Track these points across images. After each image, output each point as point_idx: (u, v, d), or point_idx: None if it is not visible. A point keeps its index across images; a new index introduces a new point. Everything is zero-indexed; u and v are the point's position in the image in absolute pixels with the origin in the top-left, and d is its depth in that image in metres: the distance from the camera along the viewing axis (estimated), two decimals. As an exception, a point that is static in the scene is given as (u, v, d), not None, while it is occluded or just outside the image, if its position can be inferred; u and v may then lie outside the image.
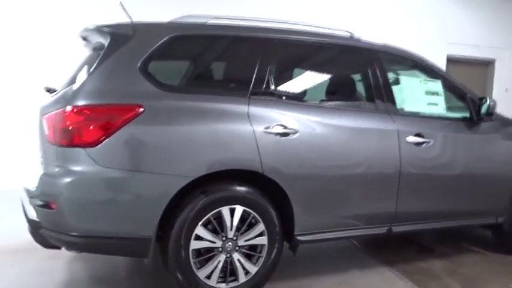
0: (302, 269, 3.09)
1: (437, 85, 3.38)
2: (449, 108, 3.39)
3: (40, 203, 2.32)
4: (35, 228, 2.41)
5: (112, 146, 2.27)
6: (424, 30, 7.41)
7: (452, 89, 3.43)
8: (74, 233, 2.28)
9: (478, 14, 7.75)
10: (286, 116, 2.67)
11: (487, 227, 3.65)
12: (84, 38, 2.85)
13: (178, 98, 2.48)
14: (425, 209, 3.20)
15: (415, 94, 3.26)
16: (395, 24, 7.21)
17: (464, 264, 3.48)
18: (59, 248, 2.54)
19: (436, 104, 3.33)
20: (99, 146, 2.25)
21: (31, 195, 2.40)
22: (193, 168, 2.40)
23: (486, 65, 8.14)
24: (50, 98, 2.68)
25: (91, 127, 2.25)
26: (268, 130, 2.58)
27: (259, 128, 2.56)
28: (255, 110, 2.60)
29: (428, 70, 3.41)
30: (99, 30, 2.59)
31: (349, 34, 3.18)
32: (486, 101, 3.31)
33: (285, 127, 2.64)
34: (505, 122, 3.60)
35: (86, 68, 2.55)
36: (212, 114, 2.51)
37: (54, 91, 2.80)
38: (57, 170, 2.30)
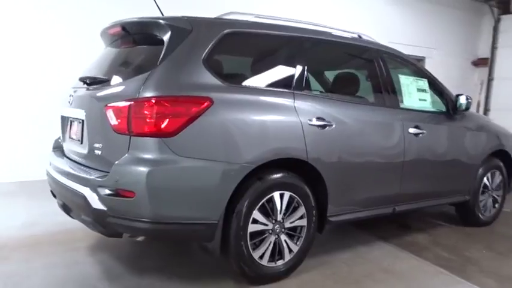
0: (319, 248, 3.41)
1: (424, 83, 3.90)
2: (431, 103, 3.93)
3: (112, 192, 2.35)
4: (100, 217, 2.42)
5: (187, 136, 2.37)
6: (369, 30, 8.07)
7: (435, 87, 3.98)
8: (148, 220, 2.36)
9: (413, 17, 8.63)
10: (323, 110, 2.96)
11: (452, 203, 4.31)
12: (124, 29, 2.83)
13: (239, 91, 2.64)
14: (419, 190, 3.72)
15: (410, 91, 3.74)
16: (344, 25, 7.75)
17: (440, 236, 4.09)
18: (120, 236, 2.57)
19: (425, 100, 3.85)
20: (176, 136, 2.34)
21: (99, 185, 2.39)
22: (257, 156, 2.59)
23: (418, 62, 9.12)
24: (99, 88, 2.66)
25: (170, 118, 2.33)
26: (311, 122, 2.85)
27: (304, 120, 2.82)
28: (300, 103, 2.85)
29: (418, 70, 3.92)
30: (156, 22, 2.62)
31: (356, 35, 3.55)
32: (464, 98, 3.90)
33: (323, 119, 2.93)
34: (471, 115, 4.25)
35: (144, 59, 2.58)
36: (268, 106, 2.72)
37: (93, 82, 2.77)
38: (134, 159, 2.33)
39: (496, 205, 4.59)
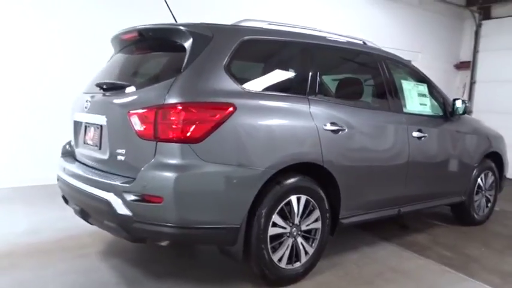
0: (329, 250, 3.47)
1: (424, 88, 4.04)
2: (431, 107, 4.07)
3: (138, 197, 2.36)
4: (125, 223, 2.43)
5: (212, 142, 2.41)
6: (356, 33, 8.21)
7: (433, 92, 4.12)
8: (174, 225, 2.38)
9: (400, 22, 8.79)
10: (335, 115, 3.04)
11: (450, 204, 4.46)
12: (141, 35, 2.85)
13: (259, 97, 2.70)
14: (421, 192, 3.85)
15: (411, 95, 3.86)
16: (333, 28, 7.87)
17: (439, 235, 4.23)
18: (144, 241, 2.58)
19: (425, 104, 3.99)
20: (202, 142, 2.38)
21: (124, 190, 2.40)
22: (277, 161, 2.65)
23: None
24: (120, 94, 2.66)
25: (196, 124, 2.37)
26: (326, 127, 2.93)
27: (320, 125, 2.90)
28: (314, 109, 2.93)
29: (417, 75, 4.05)
30: (177, 29, 2.65)
31: (361, 41, 3.66)
32: (461, 102, 4.05)
33: (336, 124, 3.01)
34: (466, 118, 4.41)
35: (166, 65, 2.61)
36: (286, 112, 2.79)
37: (111, 88, 2.77)
38: (161, 165, 2.35)
39: (489, 205, 4.78)
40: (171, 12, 3.10)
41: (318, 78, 3.05)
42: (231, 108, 2.48)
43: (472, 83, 9.25)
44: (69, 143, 3.42)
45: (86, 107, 2.88)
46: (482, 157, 4.45)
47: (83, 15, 5.57)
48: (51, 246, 3.47)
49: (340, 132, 3.02)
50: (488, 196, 4.74)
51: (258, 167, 2.57)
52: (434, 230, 4.43)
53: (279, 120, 2.72)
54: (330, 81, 3.38)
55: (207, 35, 2.63)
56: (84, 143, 2.99)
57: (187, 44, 2.59)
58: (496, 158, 4.73)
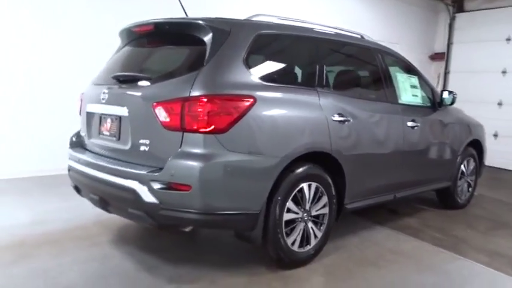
0: (331, 234, 3.65)
1: (415, 80, 4.27)
2: (421, 98, 4.31)
3: (165, 186, 2.46)
4: (152, 210, 2.52)
5: (236, 132, 2.53)
6: (336, 25, 8.40)
7: (423, 83, 4.35)
8: (200, 211, 2.50)
9: (377, 13, 9.03)
10: (341, 106, 3.21)
11: (437, 189, 4.73)
12: (157, 28, 2.90)
13: (275, 89, 2.82)
14: (414, 178, 4.09)
15: (405, 87, 4.08)
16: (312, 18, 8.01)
17: (427, 219, 4.51)
18: (170, 228, 2.68)
19: (416, 95, 4.22)
20: (227, 132, 2.49)
21: (151, 179, 2.49)
22: (293, 150, 2.80)
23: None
24: (142, 86, 2.72)
25: (222, 115, 2.48)
26: (334, 118, 3.10)
27: (329, 116, 3.06)
28: (323, 100, 3.08)
29: (409, 67, 4.27)
30: (197, 24, 2.72)
31: (359, 35, 3.83)
32: (447, 93, 4.30)
33: (342, 115, 3.18)
34: (451, 108, 4.68)
35: (187, 58, 2.70)
36: (299, 103, 2.93)
37: (130, 80, 2.83)
38: (188, 154, 2.45)
39: (470, 189, 5.10)
40: (182, 7, 3.16)
41: (324, 71, 3.20)
42: (251, 100, 2.60)
43: (446, 73, 9.65)
44: (76, 134, 3.45)
45: (103, 99, 2.92)
46: (465, 145, 4.74)
47: (84, 9, 5.52)
48: (60, 236, 3.50)
49: (346, 122, 3.20)
50: (470, 181, 5.06)
51: (276, 156, 2.71)
52: (422, 213, 4.71)
53: (294, 112, 2.86)
54: (334, 73, 3.53)
55: (225, 30, 2.72)
56: (99, 133, 3.04)
57: (207, 38, 2.67)
58: (477, 146, 5.05)
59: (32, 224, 3.74)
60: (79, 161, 3.08)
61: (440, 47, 9.95)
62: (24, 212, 4.04)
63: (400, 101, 3.91)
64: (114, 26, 4.75)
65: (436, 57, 10.00)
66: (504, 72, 8.51)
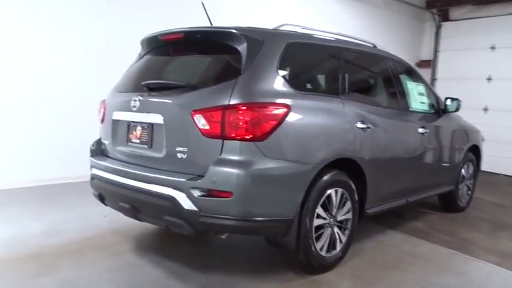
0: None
1: (422, 88, 4.41)
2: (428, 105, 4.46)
3: (205, 193, 2.49)
4: (192, 217, 2.53)
5: (274, 140, 2.58)
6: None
7: (429, 91, 4.50)
8: (239, 217, 2.53)
9: (365, 21, 9.12)
10: (362, 114, 3.30)
11: (442, 193, 4.87)
12: (187, 37, 2.93)
13: (305, 97, 2.89)
14: (424, 183, 4.22)
15: (414, 95, 4.21)
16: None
17: (433, 222, 4.65)
18: (204, 235, 2.70)
19: (423, 103, 4.36)
20: (266, 140, 2.54)
21: (192, 186, 2.50)
22: (324, 157, 2.87)
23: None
24: (178, 94, 2.74)
25: (262, 123, 2.52)
26: (358, 125, 3.18)
27: (353, 124, 3.14)
28: (347, 108, 3.17)
29: (416, 75, 4.41)
30: (231, 33, 2.76)
31: (371, 45, 3.94)
32: (450, 100, 4.46)
33: (364, 122, 3.27)
34: (452, 115, 4.84)
35: (222, 67, 2.75)
36: (327, 111, 3.01)
37: (161, 88, 2.85)
38: (229, 162, 2.48)
39: (469, 193, 5.28)
40: (207, 15, 3.20)
41: (347, 79, 3.29)
42: (287, 108, 2.66)
43: (433, 80, 9.93)
44: (96, 142, 3.42)
45: (133, 106, 2.91)
46: (466, 150, 4.92)
47: (100, 17, 5.53)
48: (78, 245, 3.45)
49: (368, 129, 3.29)
50: (469, 185, 5.24)
51: (309, 162, 2.77)
52: (427, 217, 4.84)
53: (323, 119, 2.94)
54: (354, 81, 3.62)
55: (258, 39, 2.77)
56: (128, 141, 3.03)
57: (242, 47, 2.71)
58: (475, 151, 5.24)
59: (44, 235, 3.67)
60: (106, 169, 3.06)
61: (426, 54, 10.25)
62: (33, 222, 3.95)
63: (410, 108, 4.04)
64: (125, 32, 4.75)
65: (422, 64, 10.28)
66: (489, 79, 8.84)
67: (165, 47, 3.19)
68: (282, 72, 2.80)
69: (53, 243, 3.48)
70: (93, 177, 3.22)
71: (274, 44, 2.84)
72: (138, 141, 2.94)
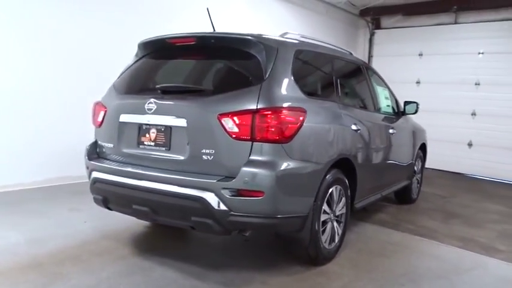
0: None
1: (387, 92, 4.86)
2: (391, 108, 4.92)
3: (235, 193, 2.60)
4: (222, 217, 2.63)
5: (296, 141, 2.77)
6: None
7: (391, 95, 4.97)
8: (266, 215, 2.70)
9: (306, 25, 9.58)
10: (353, 116, 3.62)
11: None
12: (200, 41, 3.00)
13: (313, 102, 3.11)
14: (393, 178, 4.67)
15: (382, 98, 4.64)
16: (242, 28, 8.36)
17: (394, 213, 5.14)
18: (229, 233, 2.80)
19: (389, 106, 4.81)
20: (291, 141, 2.71)
21: (223, 187, 2.60)
22: (331, 156, 3.13)
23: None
24: (200, 97, 2.81)
25: (288, 126, 2.69)
26: (352, 127, 3.49)
27: (348, 126, 3.44)
28: (343, 112, 3.46)
29: (381, 80, 4.85)
30: (249, 40, 2.89)
31: (348, 52, 4.29)
32: (414, 103, 4.97)
33: (356, 125, 3.58)
34: (407, 117, 5.36)
35: (243, 72, 2.89)
36: (331, 115, 3.26)
37: (178, 91, 2.90)
38: (259, 163, 2.62)
39: (418, 186, 5.90)
40: (211, 21, 3.28)
41: (339, 85, 3.57)
42: (305, 112, 2.86)
43: (368, 83, 10.73)
44: (92, 145, 3.34)
45: (149, 109, 2.90)
46: (418, 147, 5.50)
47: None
48: (75, 252, 3.35)
49: (358, 131, 3.60)
50: (418, 179, 5.85)
51: (322, 162, 3.01)
52: (387, 209, 5.34)
53: (329, 122, 3.19)
54: (344, 87, 3.92)
55: (273, 46, 2.94)
56: (139, 143, 3.01)
57: (261, 54, 2.86)
58: (422, 148, 5.86)
59: (30, 243, 3.48)
60: (114, 172, 3.01)
61: (361, 59, 11.02)
62: (10, 231, 3.71)
63: (381, 111, 4.46)
64: (122, 34, 4.60)
65: (357, 68, 11.06)
66: (418, 82, 9.78)
67: (173, 51, 3.22)
68: (295, 78, 2.99)
69: (44, 251, 3.33)
70: (96, 181, 3.15)
71: (286, 51, 3.02)
72: (152, 143, 2.95)
